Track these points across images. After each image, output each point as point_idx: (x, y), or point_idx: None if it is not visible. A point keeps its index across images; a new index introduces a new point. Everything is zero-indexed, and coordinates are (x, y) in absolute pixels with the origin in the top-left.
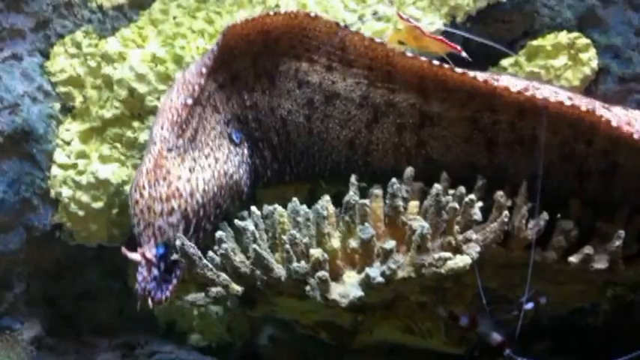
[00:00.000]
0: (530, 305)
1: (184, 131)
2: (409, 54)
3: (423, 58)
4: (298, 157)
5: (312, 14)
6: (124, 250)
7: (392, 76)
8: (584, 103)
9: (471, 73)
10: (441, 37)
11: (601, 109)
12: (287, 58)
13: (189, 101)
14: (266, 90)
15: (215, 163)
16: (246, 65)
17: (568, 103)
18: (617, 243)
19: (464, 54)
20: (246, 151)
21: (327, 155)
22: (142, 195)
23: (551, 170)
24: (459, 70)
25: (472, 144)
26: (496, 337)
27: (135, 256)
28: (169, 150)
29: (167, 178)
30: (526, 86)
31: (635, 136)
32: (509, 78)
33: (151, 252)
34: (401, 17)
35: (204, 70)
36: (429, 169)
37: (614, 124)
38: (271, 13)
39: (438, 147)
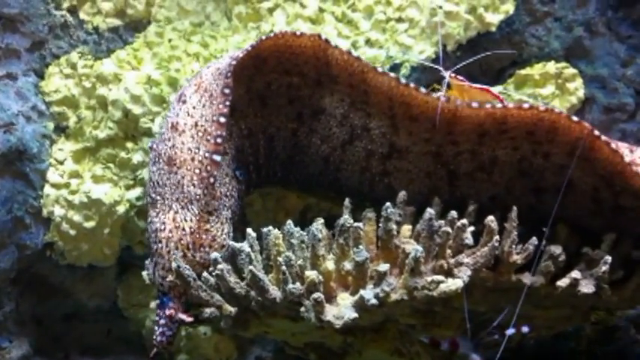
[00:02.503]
0: (510, 331)
1: (216, 190)
2: (380, 69)
3: (392, 75)
4: (278, 168)
5: (298, 32)
6: (180, 316)
7: (368, 96)
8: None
9: (435, 95)
10: (486, 87)
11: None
12: (277, 75)
13: (217, 158)
14: (258, 112)
15: (230, 210)
16: (241, 93)
17: (526, 105)
18: (604, 268)
19: (506, 103)
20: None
21: (304, 167)
22: (185, 255)
23: (509, 188)
24: (423, 90)
25: (435, 178)
26: (475, 358)
27: (188, 318)
28: (209, 213)
29: (212, 246)
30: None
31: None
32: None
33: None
34: (454, 77)
35: (222, 119)
36: (390, 198)
37: (574, 117)
38: (262, 37)
39: (401, 179)
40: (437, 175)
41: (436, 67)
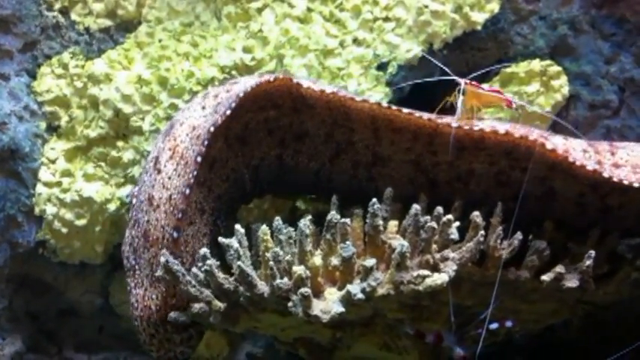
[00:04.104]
0: (494, 325)
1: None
2: (358, 98)
3: (373, 100)
4: (266, 185)
5: (271, 78)
6: None
7: (349, 114)
8: (520, 131)
9: (417, 113)
10: (497, 90)
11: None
12: (252, 114)
13: (175, 235)
14: (239, 152)
15: None
16: (220, 145)
17: (502, 131)
18: (588, 262)
19: (514, 105)
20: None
21: (294, 182)
22: (157, 331)
23: (488, 196)
24: (405, 110)
25: (416, 184)
26: (459, 352)
27: None
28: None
29: None
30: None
31: (570, 160)
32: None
33: None
34: (469, 84)
35: (187, 191)
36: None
37: (549, 146)
38: (240, 94)
39: (384, 185)
40: (418, 181)
41: (452, 75)
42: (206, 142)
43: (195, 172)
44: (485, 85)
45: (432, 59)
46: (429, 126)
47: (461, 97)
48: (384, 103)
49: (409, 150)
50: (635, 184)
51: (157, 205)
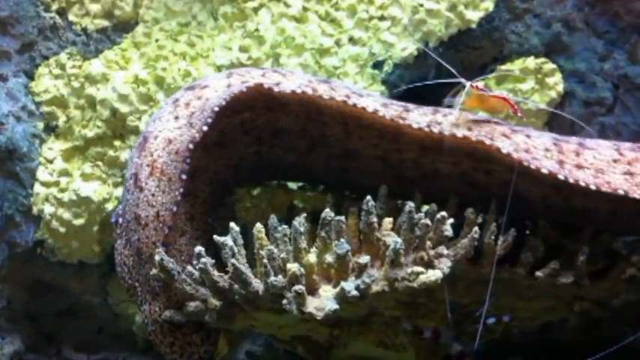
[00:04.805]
0: (491, 320)
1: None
2: (327, 94)
3: (339, 98)
4: (247, 177)
5: (244, 88)
6: None
7: (321, 110)
8: (480, 133)
9: (381, 112)
10: (503, 96)
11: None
12: (227, 119)
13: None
14: (218, 156)
15: None
16: (199, 154)
17: (460, 135)
18: (582, 258)
19: (519, 113)
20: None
21: (273, 172)
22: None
23: (462, 196)
24: (371, 110)
25: (385, 178)
26: (456, 347)
27: None
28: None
29: None
30: (428, 122)
31: (525, 163)
32: (417, 115)
33: None
34: (476, 87)
35: (174, 208)
36: (351, 188)
37: (504, 151)
38: (215, 109)
39: (358, 177)
40: (387, 176)
41: (458, 78)
42: (188, 160)
43: (181, 190)
44: (496, 93)
45: (438, 58)
46: (392, 125)
47: (461, 99)
48: (353, 100)
49: (377, 146)
50: (592, 187)
51: (145, 223)
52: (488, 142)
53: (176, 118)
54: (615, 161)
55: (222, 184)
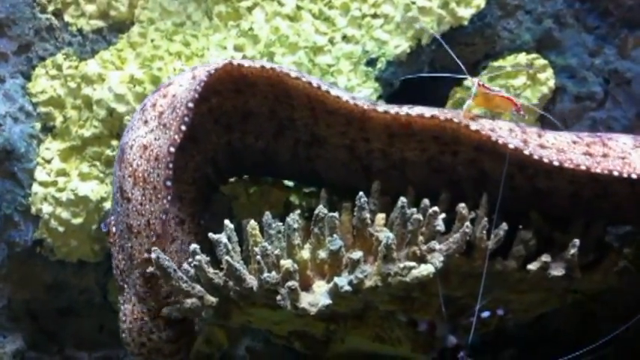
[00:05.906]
0: (486, 313)
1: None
2: (294, 74)
3: (305, 79)
4: (226, 170)
5: (212, 70)
6: None
7: (289, 92)
8: (446, 115)
9: (345, 97)
10: (508, 96)
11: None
12: (197, 109)
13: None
14: (194, 151)
15: None
16: (177, 154)
17: (428, 115)
18: (573, 251)
19: (522, 112)
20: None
21: (245, 159)
22: (150, 339)
23: (425, 183)
24: (334, 93)
25: (351, 169)
26: (452, 340)
27: None
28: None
29: None
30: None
31: (493, 139)
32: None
33: None
34: (481, 86)
35: (163, 217)
36: (316, 183)
37: (472, 127)
38: (190, 105)
39: (323, 168)
40: (353, 166)
41: (464, 75)
42: (170, 165)
43: (169, 197)
44: (496, 88)
45: (450, 51)
46: (356, 110)
47: (471, 98)
48: (317, 82)
49: (344, 135)
50: (555, 163)
51: (137, 231)
52: (456, 120)
53: (145, 122)
54: (575, 142)
55: (205, 181)
